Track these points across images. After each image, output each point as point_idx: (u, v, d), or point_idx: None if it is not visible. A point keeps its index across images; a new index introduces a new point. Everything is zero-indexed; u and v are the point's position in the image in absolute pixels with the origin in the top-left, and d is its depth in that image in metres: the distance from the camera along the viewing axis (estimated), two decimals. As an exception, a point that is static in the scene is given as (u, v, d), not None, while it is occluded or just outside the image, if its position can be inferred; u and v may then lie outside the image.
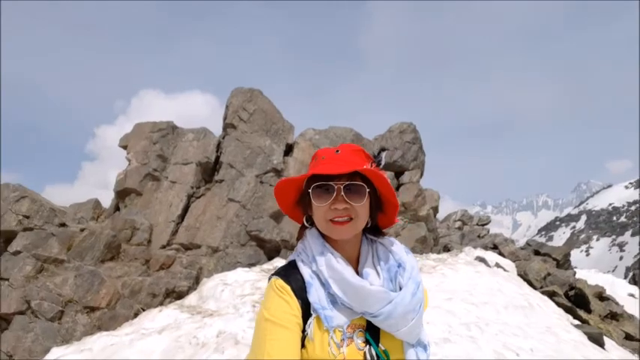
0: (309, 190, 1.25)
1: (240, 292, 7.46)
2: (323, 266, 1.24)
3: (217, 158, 11.07)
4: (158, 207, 10.30)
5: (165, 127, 11.28)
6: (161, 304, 8.40)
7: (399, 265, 1.34)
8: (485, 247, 15.96)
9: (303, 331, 1.20)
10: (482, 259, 11.47)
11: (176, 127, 11.52)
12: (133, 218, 10.04)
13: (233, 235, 9.75)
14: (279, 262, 8.93)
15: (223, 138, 11.37)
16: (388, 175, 13.71)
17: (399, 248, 1.41)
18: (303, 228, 1.36)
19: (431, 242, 14.83)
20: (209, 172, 10.94)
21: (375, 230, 1.39)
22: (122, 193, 10.78)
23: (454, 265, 10.90)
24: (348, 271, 1.24)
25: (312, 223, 1.32)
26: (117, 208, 10.91)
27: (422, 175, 15.21)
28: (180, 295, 8.57)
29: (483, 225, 22.11)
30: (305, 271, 1.26)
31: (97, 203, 11.66)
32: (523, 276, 11.78)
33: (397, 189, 14.02)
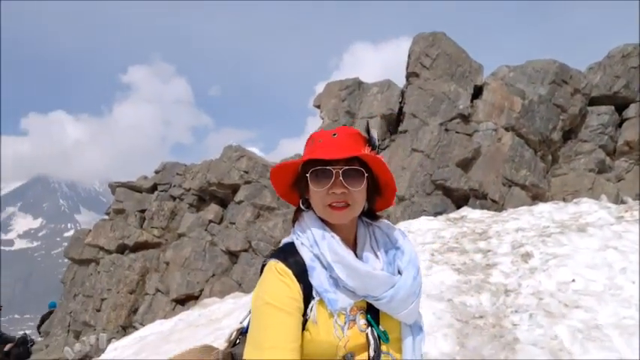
0: (307, 175, 1.24)
1: (422, 240, 7.55)
2: (326, 250, 1.23)
3: (401, 109, 11.10)
4: (349, 159, 10.99)
5: (351, 84, 11.79)
6: (353, 248, 9.14)
7: (398, 248, 1.32)
8: None
9: (304, 314, 1.21)
10: None
11: (362, 83, 11.92)
12: (328, 170, 11.00)
13: (418, 184, 9.81)
14: (466, 212, 8.67)
15: (406, 88, 11.30)
16: (606, 110, 11.60)
17: (395, 232, 1.37)
18: (299, 210, 1.35)
19: (669, 187, 12.20)
20: (393, 123, 11.09)
21: (371, 214, 1.36)
22: (316, 149, 11.83)
23: (698, 216, 8.82)
24: (351, 255, 1.24)
25: (308, 206, 1.31)
26: (315, 162, 12.06)
27: (656, 106, 12.39)
28: (371, 241, 9.17)
29: None
30: (306, 254, 1.25)
31: (299, 158, 13.09)
32: None
33: (620, 125, 11.79)
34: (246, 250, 9.66)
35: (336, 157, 1.20)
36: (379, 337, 1.24)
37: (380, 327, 1.25)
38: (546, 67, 11.18)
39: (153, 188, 13.48)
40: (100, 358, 8.13)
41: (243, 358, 1.21)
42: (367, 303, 1.26)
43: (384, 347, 1.25)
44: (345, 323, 1.21)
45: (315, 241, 1.25)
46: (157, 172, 14.13)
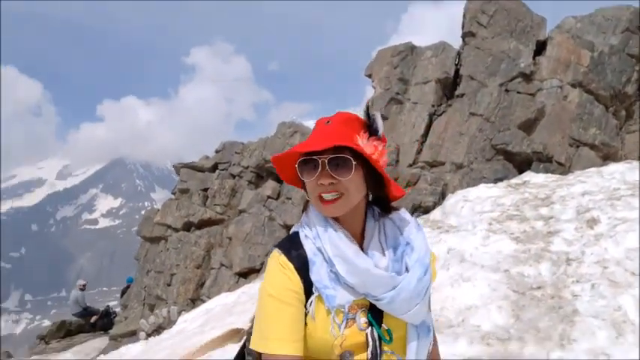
0: (296, 166, 1.20)
1: (480, 209, 7.27)
2: (327, 243, 1.20)
3: (457, 72, 10.56)
4: (403, 129, 10.70)
5: (404, 49, 11.37)
6: (410, 218, 8.96)
7: (407, 244, 1.25)
8: None
9: (305, 307, 1.20)
10: None
11: (415, 47, 11.45)
12: (382, 141, 10.79)
13: (477, 150, 9.38)
14: (529, 177, 8.22)
15: (462, 49, 10.71)
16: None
17: (409, 224, 1.29)
18: (308, 200, 1.31)
19: None
20: (449, 87, 10.60)
21: (382, 204, 1.28)
22: (371, 119, 11.60)
23: None
24: (352, 250, 1.19)
25: None
26: (370, 133, 11.85)
27: None
28: (427, 210, 8.94)
29: None
30: (308, 248, 1.22)
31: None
32: None
33: None
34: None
35: (315, 149, 1.14)
36: (380, 338, 1.19)
37: (383, 325, 1.20)
38: (618, 14, 10.13)
39: (214, 167, 13.94)
40: (172, 329, 8.71)
41: (250, 346, 1.22)
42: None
43: (387, 347, 1.21)
44: (342, 321, 1.18)
45: (317, 234, 1.22)
46: (217, 151, 14.58)
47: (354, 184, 1.17)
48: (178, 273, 11.79)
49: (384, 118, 11.13)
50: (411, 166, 10.17)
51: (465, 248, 5.67)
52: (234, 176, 13.35)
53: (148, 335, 9.91)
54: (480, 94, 9.78)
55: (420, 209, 8.95)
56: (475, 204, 7.58)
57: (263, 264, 10.46)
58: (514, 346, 3.59)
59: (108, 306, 15.25)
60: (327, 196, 1.16)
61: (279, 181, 12.02)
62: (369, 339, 1.18)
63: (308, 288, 1.19)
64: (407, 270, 1.22)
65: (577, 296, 3.71)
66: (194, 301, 11.21)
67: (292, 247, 1.24)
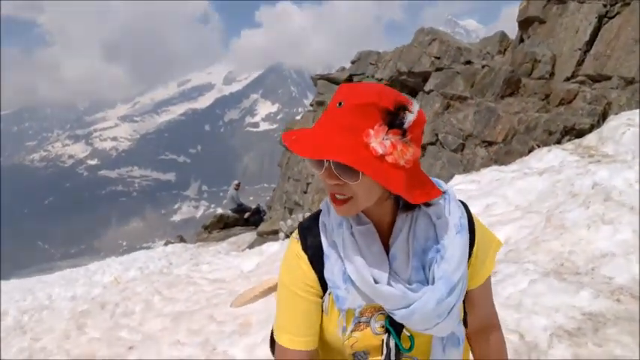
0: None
1: (645, 136, 6.10)
2: (339, 241, 1.07)
3: (644, -42, 8.34)
4: (563, 34, 9.09)
5: None
6: (558, 142, 7.93)
7: (438, 251, 1.03)
8: None
9: (322, 297, 1.12)
10: None
11: None
12: (534, 50, 9.37)
13: (657, 61, 7.60)
14: None
15: None
16: None
17: (447, 224, 1.04)
18: None
19: None
20: (630, -20, 8.49)
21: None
22: (524, 23, 10.06)
23: None
24: (361, 259, 1.04)
25: None
26: (521, 40, 10.38)
27: None
28: (581, 134, 7.78)
29: None
30: (324, 239, 1.11)
31: (502, 36, 11.45)
32: None
33: None
34: (432, 144, 9.30)
35: (305, 156, 0.94)
36: (397, 348, 1.09)
37: (405, 332, 1.08)
38: None
39: (349, 79, 13.76)
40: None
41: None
42: None
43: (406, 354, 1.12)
44: (351, 324, 1.09)
45: (332, 227, 1.10)
46: (352, 62, 14.28)
47: (363, 188, 0.97)
48: (313, 182, 12.44)
49: (541, 21, 9.57)
50: (568, 79, 8.73)
51: (615, 184, 4.88)
52: (369, 89, 13.04)
53: (286, 236, 10.94)
54: (674, -13, 7.69)
55: (572, 132, 7.78)
56: (642, 129, 6.38)
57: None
58: (650, 307, 3.11)
59: (259, 205, 17.09)
60: (337, 195, 1.00)
61: (413, 94, 11.45)
62: (384, 346, 1.09)
63: (324, 280, 1.11)
64: (434, 281, 1.04)
65: None
66: (326, 210, 11.83)
67: (310, 232, 1.14)
